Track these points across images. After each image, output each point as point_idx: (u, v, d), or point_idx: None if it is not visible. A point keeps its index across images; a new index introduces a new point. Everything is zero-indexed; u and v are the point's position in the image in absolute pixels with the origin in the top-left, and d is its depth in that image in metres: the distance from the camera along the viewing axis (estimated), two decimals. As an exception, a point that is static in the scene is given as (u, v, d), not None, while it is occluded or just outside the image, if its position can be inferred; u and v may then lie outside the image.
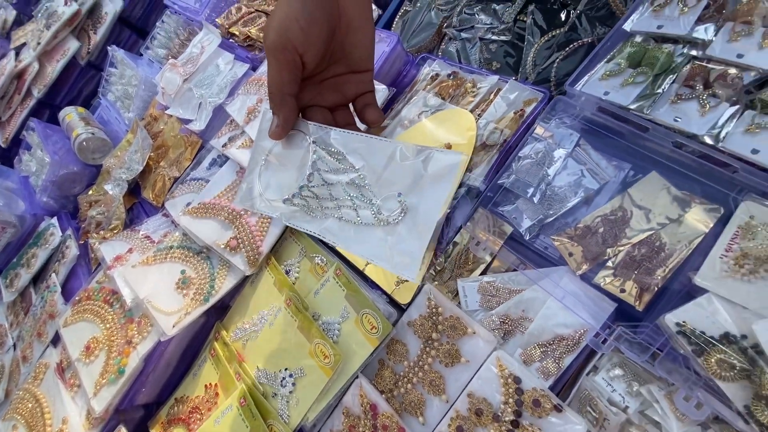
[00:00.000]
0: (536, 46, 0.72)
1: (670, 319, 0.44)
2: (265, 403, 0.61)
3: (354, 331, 0.59)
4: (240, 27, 0.93)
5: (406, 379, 0.56)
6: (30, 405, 0.76)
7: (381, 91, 0.67)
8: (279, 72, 0.36)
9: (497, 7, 0.77)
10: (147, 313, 0.68)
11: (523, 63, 0.72)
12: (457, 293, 0.59)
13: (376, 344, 0.57)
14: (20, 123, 1.45)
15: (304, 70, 0.37)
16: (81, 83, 1.50)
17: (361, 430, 0.55)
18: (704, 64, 0.48)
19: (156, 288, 0.69)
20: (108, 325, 0.72)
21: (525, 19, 0.75)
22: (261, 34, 0.89)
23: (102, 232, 0.89)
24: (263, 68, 0.79)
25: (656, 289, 0.47)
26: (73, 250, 0.88)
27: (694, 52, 0.50)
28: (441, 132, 0.65)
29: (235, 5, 0.99)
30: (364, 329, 0.58)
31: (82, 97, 1.53)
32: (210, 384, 0.68)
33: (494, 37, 0.75)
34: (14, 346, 0.91)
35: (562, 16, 0.72)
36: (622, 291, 0.49)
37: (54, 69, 1.41)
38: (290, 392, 0.60)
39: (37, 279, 0.94)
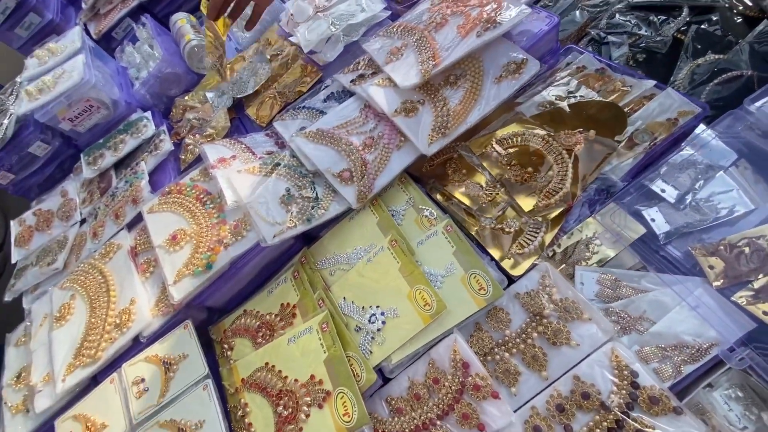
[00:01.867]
0: (690, 65, 0.71)
1: (822, 351, 0.43)
2: (346, 333, 0.60)
3: (459, 288, 0.58)
4: (381, -24, 0.93)
5: (504, 347, 0.55)
6: (93, 278, 0.76)
7: (534, 64, 0.66)
8: None
9: (656, 19, 0.76)
10: (248, 218, 0.67)
11: (674, 78, 0.71)
12: (571, 279, 0.58)
13: (482, 305, 0.56)
14: (116, 20, 1.46)
15: None
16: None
17: (447, 384, 0.54)
18: None
19: (260, 197, 0.68)
20: (198, 221, 0.72)
21: (682, 37, 0.74)
22: (405, -13, 0.88)
23: (198, 136, 0.89)
24: (409, 17, 0.79)
25: (804, 320, 0.46)
26: (167, 144, 0.88)
27: None
28: (587, 118, 0.64)
29: (379, -45, 0.99)
30: (471, 288, 0.57)
31: (182, 10, 1.54)
32: (287, 304, 0.67)
33: (646, 47, 0.75)
34: (82, 222, 0.91)
35: (723, 43, 0.71)
36: (765, 314, 0.47)
37: (165, -23, 1.42)
38: (378, 330, 0.59)
39: (119, 165, 0.94)
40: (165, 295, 0.69)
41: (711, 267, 0.52)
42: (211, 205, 0.73)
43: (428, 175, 0.72)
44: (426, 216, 0.66)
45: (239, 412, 0.60)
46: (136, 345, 0.69)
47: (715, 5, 0.73)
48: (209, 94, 0.94)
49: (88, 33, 1.48)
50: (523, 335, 0.55)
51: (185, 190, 0.77)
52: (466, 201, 0.66)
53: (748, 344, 0.47)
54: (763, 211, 0.54)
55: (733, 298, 0.50)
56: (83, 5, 1.48)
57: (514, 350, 0.54)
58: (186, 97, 1.02)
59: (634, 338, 0.52)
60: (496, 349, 0.55)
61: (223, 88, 0.93)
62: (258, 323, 0.68)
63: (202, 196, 0.75)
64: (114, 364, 0.69)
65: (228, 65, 1.01)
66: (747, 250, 0.52)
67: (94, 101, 0.95)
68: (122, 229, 0.81)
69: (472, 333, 0.57)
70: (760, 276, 0.50)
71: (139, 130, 0.92)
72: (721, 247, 0.53)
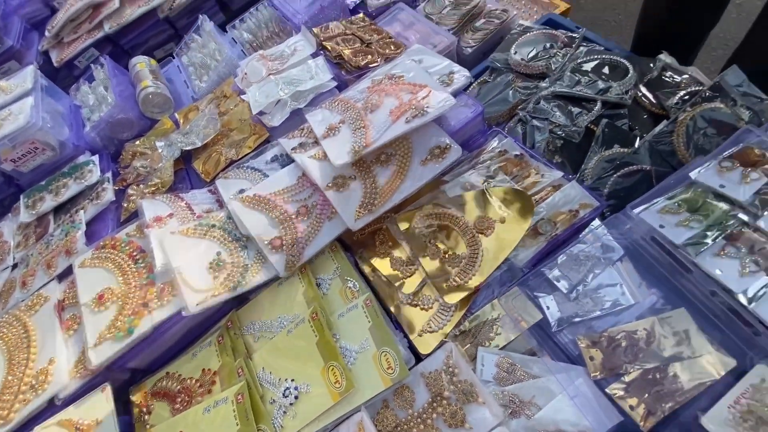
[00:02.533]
0: (598, 156, 0.78)
1: (672, 449, 0.48)
2: (260, 406, 0.62)
3: (369, 365, 0.61)
4: (334, 44, 0.99)
5: (406, 427, 0.58)
6: (16, 332, 0.75)
7: (456, 151, 0.72)
8: None
9: (574, 110, 0.84)
10: (174, 282, 0.69)
11: (584, 167, 0.78)
12: (474, 359, 0.62)
13: (389, 385, 0.59)
14: (80, 50, 1.47)
15: None
16: (151, 33, 1.53)
17: (350, 462, 0.56)
18: (752, 232, 0.55)
19: (189, 261, 0.70)
20: (127, 281, 0.73)
21: (595, 129, 0.82)
22: (354, 57, 0.94)
23: (141, 186, 0.91)
24: (351, 93, 0.84)
25: (662, 416, 0.51)
26: (108, 194, 0.88)
27: (746, 218, 0.56)
28: (500, 205, 0.70)
29: (334, 22, 1.05)
30: (381, 366, 0.60)
31: (148, 45, 1.56)
32: (208, 370, 0.68)
33: (564, 135, 0.82)
34: (13, 267, 0.89)
35: (629, 138, 0.79)
36: (631, 408, 0.53)
37: (132, 12, 1.44)
38: (290, 404, 0.61)
39: (59, 209, 0.94)
40: (85, 355, 0.69)
41: (591, 358, 0.57)
42: (142, 264, 0.74)
43: (358, 243, 0.76)
44: (350, 287, 0.69)
45: (147, 484, 0.60)
46: (52, 407, 0.68)
47: (622, 102, 0.82)
48: (159, 143, 0.96)
49: (48, 60, 1.48)
50: (424, 415, 0.58)
51: (119, 246, 0.78)
52: (388, 274, 0.70)
53: (616, 436, 0.52)
54: (641, 307, 0.60)
55: (606, 390, 0.55)
56: (46, 33, 1.48)
57: (415, 430, 0.58)
58: (137, 142, 1.03)
59: (522, 423, 0.56)
60: (398, 429, 0.58)
61: (172, 139, 0.95)
62: (179, 387, 0.68)
63: (135, 253, 0.76)
64: (26, 426, 0.68)
65: (182, 114, 1.04)
66: (624, 343, 0.57)
67: (40, 143, 0.95)
68: (52, 279, 0.81)
69: (379, 410, 0.60)
70: (632, 370, 0.55)
71: (84, 176, 0.93)
72: (602, 339, 0.58)
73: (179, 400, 0.67)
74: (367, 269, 0.72)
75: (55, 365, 0.69)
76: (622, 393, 0.54)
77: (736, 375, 0.52)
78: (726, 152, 0.61)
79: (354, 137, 0.74)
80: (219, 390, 0.66)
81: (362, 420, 0.58)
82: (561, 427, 0.54)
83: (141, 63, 1.11)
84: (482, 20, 1.07)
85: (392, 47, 0.97)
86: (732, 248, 0.55)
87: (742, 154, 0.59)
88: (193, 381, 0.68)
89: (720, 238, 0.56)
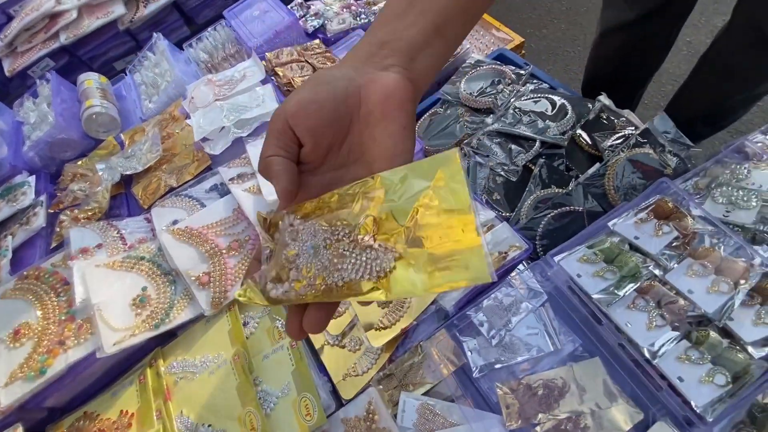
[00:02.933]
0: (534, 195, 0.80)
1: (573, 505, 0.48)
2: (176, 452, 0.60)
3: (289, 411, 0.60)
4: (286, 70, 0.98)
5: (322, 475, 0.57)
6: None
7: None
8: (268, 140, 0.32)
9: (513, 148, 0.85)
10: (92, 320, 0.66)
11: (520, 206, 0.79)
12: (397, 404, 0.62)
13: (306, 432, 0.58)
14: (34, 60, 1.43)
15: (302, 150, 0.32)
16: (111, 45, 1.51)
17: None
18: (661, 285, 0.56)
19: (111, 297, 0.68)
20: (46, 315, 0.70)
21: (533, 168, 0.83)
22: (302, 87, 0.94)
23: (77, 211, 0.88)
24: (293, 123, 0.83)
25: (569, 469, 0.52)
26: (39, 220, 0.85)
27: (657, 271, 0.57)
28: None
29: (288, 48, 1.05)
30: (299, 413, 0.59)
31: (107, 57, 1.53)
32: (126, 411, 0.66)
33: (502, 173, 0.83)
34: (-66, 293, 0.85)
35: (565, 178, 0.81)
36: (540, 460, 0.53)
37: (90, 24, 1.42)
38: (205, 451, 0.59)
39: (-11, 232, 0.90)
40: None
41: (508, 406, 0.57)
42: (64, 297, 0.71)
43: (293, 279, 0.75)
44: (277, 327, 0.68)
45: None
46: (-42, 448, 0.65)
47: (559, 143, 0.84)
48: (99, 166, 0.93)
49: (0, 69, 1.44)
50: (341, 464, 0.57)
51: (43, 276, 0.74)
52: (318, 314, 0.69)
53: (524, 489, 0.52)
54: (560, 354, 0.60)
55: (520, 441, 0.55)
56: (-1, 42, 1.44)
57: (330, 480, 0.57)
58: (79, 162, 1.00)
59: (437, 473, 0.56)
60: (314, 478, 0.57)
61: (112, 162, 0.93)
62: (96, 429, 0.66)
63: (58, 285, 0.73)
64: (-73, 470, 0.64)
65: (128, 135, 1.02)
66: (540, 392, 0.58)
67: (-28, 163, 0.91)
68: (-28, 309, 0.77)
69: (297, 457, 0.59)
70: (545, 421, 0.55)
71: (17, 198, 0.89)
72: (520, 387, 0.58)
73: (94, 443, 0.64)
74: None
75: (-37, 405, 0.65)
76: (531, 444, 0.54)
77: (642, 428, 0.53)
78: (642, 203, 0.62)
79: (289, 172, 0.73)
80: (135, 434, 0.63)
81: (276, 469, 0.57)
82: (472, 480, 0.54)
83: (89, 80, 1.08)
84: (436, 51, 1.09)
85: (343, 77, 0.97)
86: (641, 301, 0.56)
87: (656, 207, 0.61)
88: (110, 423, 0.65)
89: (632, 290, 0.57)
